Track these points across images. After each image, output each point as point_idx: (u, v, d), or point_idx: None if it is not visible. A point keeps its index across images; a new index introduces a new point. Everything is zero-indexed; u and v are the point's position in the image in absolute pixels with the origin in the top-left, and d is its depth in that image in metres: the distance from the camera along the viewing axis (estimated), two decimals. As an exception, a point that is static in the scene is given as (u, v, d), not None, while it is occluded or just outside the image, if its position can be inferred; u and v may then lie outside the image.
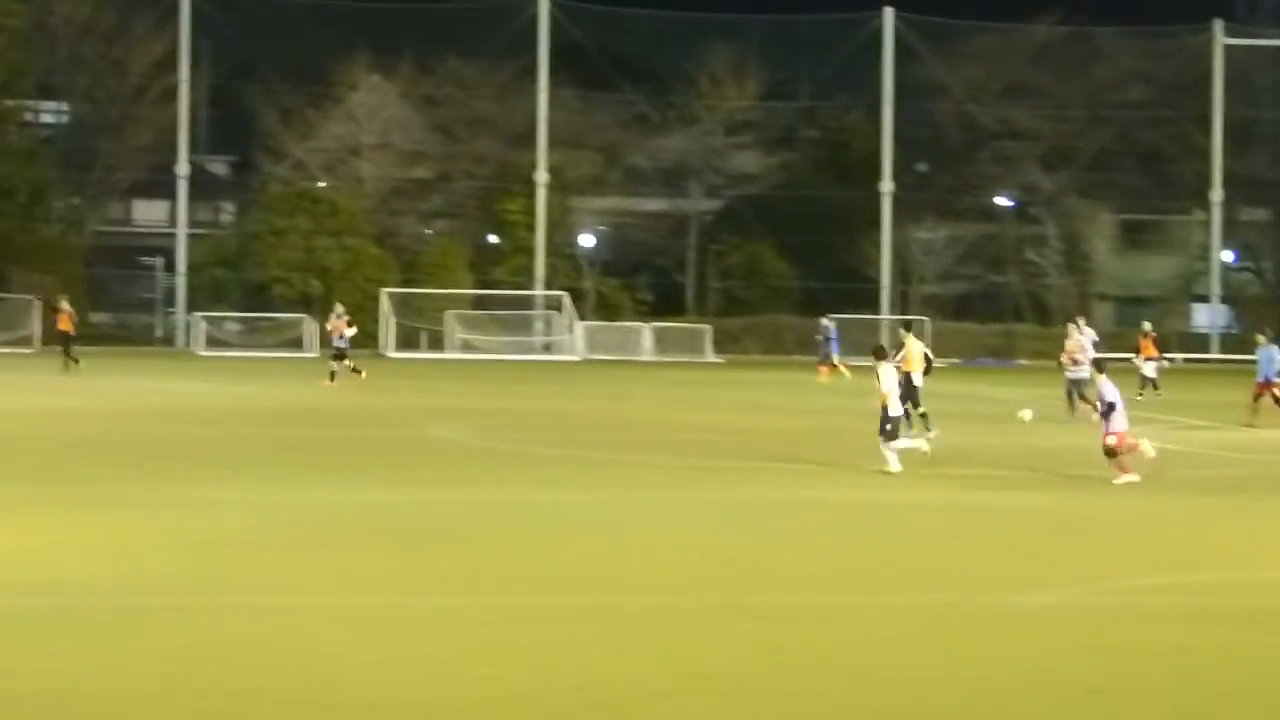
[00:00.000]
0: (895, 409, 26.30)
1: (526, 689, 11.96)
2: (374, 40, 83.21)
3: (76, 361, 52.54)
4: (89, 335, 72.05)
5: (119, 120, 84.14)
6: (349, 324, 49.73)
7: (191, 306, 79.96)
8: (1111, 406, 25.05)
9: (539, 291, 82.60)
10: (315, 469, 25.81)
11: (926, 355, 33.52)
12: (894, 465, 25.95)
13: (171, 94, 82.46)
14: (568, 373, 61.96)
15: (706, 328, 79.84)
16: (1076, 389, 38.75)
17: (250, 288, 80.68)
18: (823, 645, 13.66)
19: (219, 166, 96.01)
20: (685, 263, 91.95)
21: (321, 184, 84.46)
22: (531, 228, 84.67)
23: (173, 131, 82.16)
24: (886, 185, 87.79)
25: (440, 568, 17.11)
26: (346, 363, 48.61)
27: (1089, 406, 30.71)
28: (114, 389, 45.57)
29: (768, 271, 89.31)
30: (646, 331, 77.88)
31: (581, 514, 21.54)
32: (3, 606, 14.65)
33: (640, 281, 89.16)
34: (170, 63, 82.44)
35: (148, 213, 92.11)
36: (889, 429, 26.19)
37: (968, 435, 33.49)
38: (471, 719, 11.36)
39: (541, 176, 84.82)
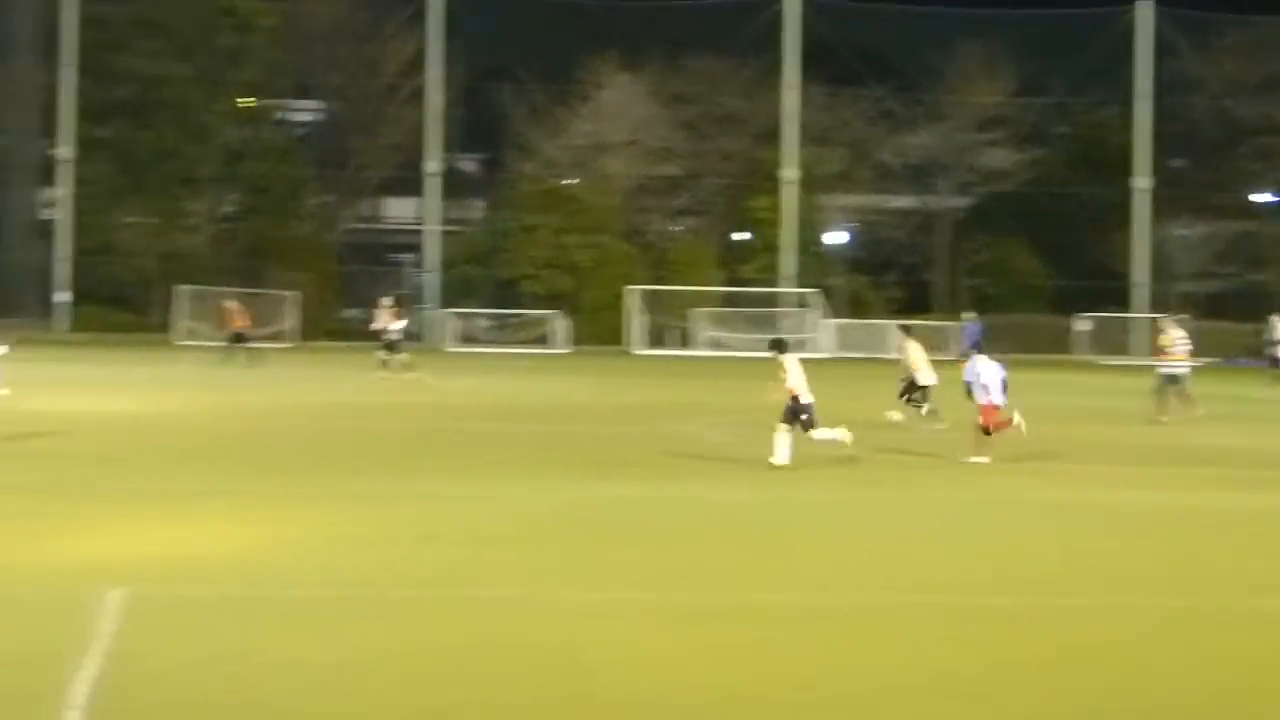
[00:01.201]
0: (806, 398, 25.70)
1: (761, 686, 11.78)
2: (622, 38, 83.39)
3: (245, 359, 53.10)
4: (340, 331, 73.22)
5: (371, 119, 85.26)
6: (397, 315, 49.64)
7: (442, 303, 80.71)
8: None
9: (788, 289, 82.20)
10: (561, 464, 25.73)
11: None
12: (783, 457, 25.36)
13: (422, 93, 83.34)
14: (815, 371, 61.32)
15: (956, 325, 78.81)
16: None
17: (499, 284, 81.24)
18: (1055, 648, 13.20)
19: (469, 164, 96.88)
20: (934, 260, 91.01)
21: (570, 181, 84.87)
22: (779, 225, 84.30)
23: (422, 130, 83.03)
24: (1142, 182, 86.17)
25: (680, 563, 16.93)
26: (402, 356, 48.59)
27: None
28: (365, 385, 46.05)
29: (1018, 269, 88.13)
30: (895, 329, 76.93)
31: (825, 512, 21.28)
32: (257, 597, 14.77)
33: (888, 279, 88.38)
34: (421, 62, 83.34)
35: (399, 210, 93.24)
36: (805, 419, 25.65)
37: (1246, 437, 32.61)
38: (713, 715, 11.14)
39: (789, 174, 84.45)
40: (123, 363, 53.77)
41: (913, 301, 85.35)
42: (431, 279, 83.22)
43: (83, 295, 78.44)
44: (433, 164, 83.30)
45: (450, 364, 60.89)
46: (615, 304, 78.43)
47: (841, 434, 26.34)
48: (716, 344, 76.02)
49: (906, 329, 38.42)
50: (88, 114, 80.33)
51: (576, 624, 13.90)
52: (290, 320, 72.43)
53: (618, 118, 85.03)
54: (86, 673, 11.69)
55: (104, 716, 10.84)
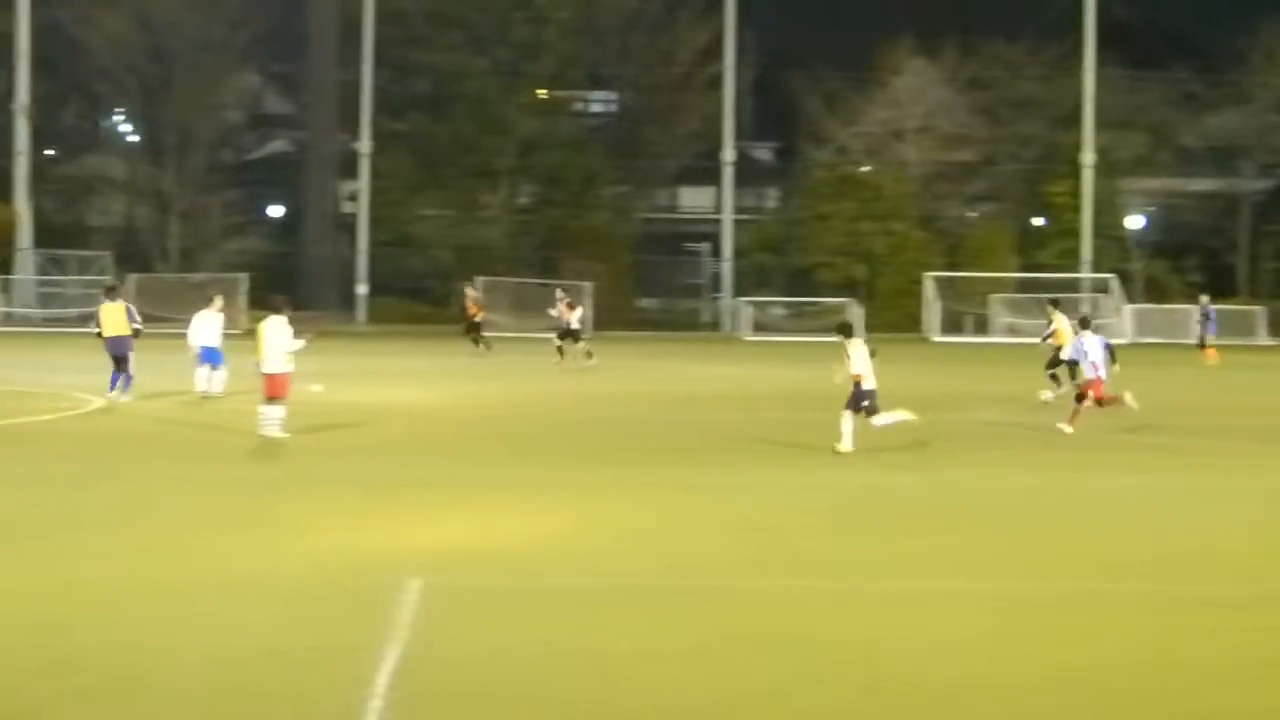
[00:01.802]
0: (869, 384, 25.31)
1: (1092, 672, 11.61)
2: (917, 24, 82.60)
3: (483, 346, 53.44)
4: (637, 321, 73.51)
5: (665, 108, 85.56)
6: (571, 307, 49.20)
7: (737, 291, 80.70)
8: None
9: (1085, 274, 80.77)
10: (857, 451, 25.37)
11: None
12: (847, 444, 25.00)
13: (716, 82, 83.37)
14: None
15: (1260, 309, 76.88)
16: None
17: (794, 272, 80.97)
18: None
19: (763, 152, 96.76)
20: (1237, 243, 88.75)
21: (865, 168, 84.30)
22: (1078, 210, 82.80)
23: (717, 119, 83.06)
24: None
25: (986, 551, 16.68)
26: (580, 345, 48.23)
27: None
28: (662, 373, 46.11)
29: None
30: (1196, 314, 75.28)
31: (1138, 498, 20.84)
32: (552, 586, 14.78)
33: (1189, 263, 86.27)
34: (715, 51, 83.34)
35: (693, 199, 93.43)
36: (867, 405, 25.26)
37: None
38: (1044, 699, 10.88)
39: (1088, 158, 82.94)
40: (420, 354, 54.51)
41: (1214, 285, 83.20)
42: (726, 267, 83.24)
43: (381, 287, 79.83)
44: (728, 152, 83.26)
45: (745, 352, 60.82)
46: (910, 291, 77.76)
47: (904, 415, 25.97)
48: (1013, 330, 74.89)
49: (1055, 303, 38.14)
50: (385, 108, 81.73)
51: (882, 611, 13.75)
52: (587, 310, 72.90)
53: (913, 103, 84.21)
54: (388, 662, 11.81)
55: (406, 705, 10.90)
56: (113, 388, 32.16)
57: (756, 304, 77.97)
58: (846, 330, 26.58)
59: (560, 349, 48.25)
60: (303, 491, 21.03)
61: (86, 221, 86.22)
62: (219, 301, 35.89)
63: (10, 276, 72.39)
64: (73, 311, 65.61)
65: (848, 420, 25.24)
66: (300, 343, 26.36)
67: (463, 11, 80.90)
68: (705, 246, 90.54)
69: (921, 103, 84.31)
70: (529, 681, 11.49)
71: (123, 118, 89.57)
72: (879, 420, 25.54)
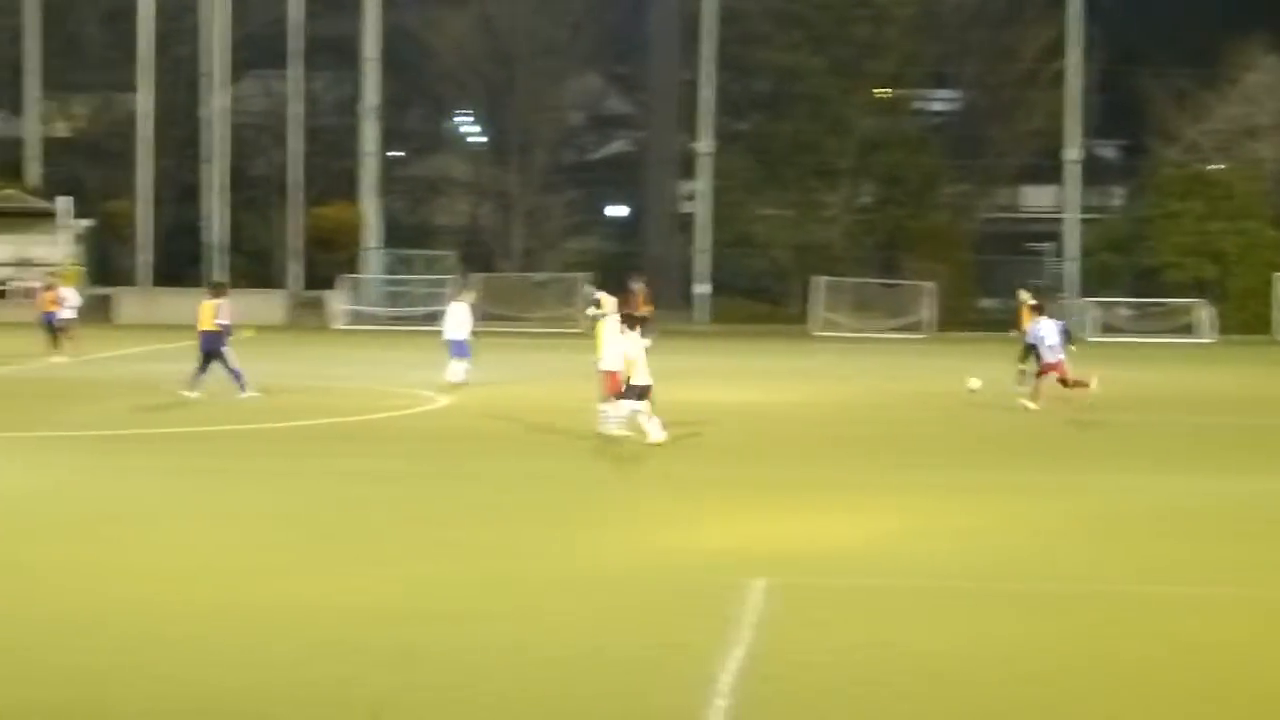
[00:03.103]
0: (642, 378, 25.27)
1: None
2: (1270, 19, 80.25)
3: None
4: (977, 322, 72.61)
5: (1008, 106, 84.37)
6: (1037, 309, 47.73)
7: (1081, 292, 79.30)
8: None
9: None
10: (1209, 455, 24.57)
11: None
12: (655, 435, 25.01)
13: (1059, 79, 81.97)
14: None
15: None
16: None
17: (1140, 272, 79.30)
18: None
19: (1108, 150, 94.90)
20: None
21: (1215, 166, 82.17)
22: None
23: (1060, 117, 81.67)
24: None
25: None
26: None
27: None
28: (1000, 374, 45.31)
29: None
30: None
31: None
32: (893, 588, 14.63)
33: None
34: (1060, 47, 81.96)
35: (1035, 198, 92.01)
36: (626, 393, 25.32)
37: None
38: None
39: None
40: (759, 353, 54.50)
41: None
42: (1071, 267, 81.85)
43: (721, 286, 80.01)
44: (1072, 151, 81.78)
45: (1091, 354, 59.61)
46: (1261, 292, 75.55)
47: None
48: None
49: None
50: (726, 108, 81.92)
51: (1245, 621, 13.33)
52: (927, 311, 72.21)
53: (1266, 100, 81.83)
54: (732, 661, 11.70)
55: (751, 705, 10.81)
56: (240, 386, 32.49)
57: (1102, 305, 76.47)
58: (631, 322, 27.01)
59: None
60: (641, 489, 21.09)
61: (432, 221, 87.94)
62: (469, 295, 37.14)
63: (358, 275, 74.05)
64: (419, 310, 66.81)
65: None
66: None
67: (804, 10, 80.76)
68: (1048, 246, 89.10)
69: (1275, 99, 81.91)
70: (870, 683, 11.35)
71: (467, 119, 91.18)
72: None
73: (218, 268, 72.94)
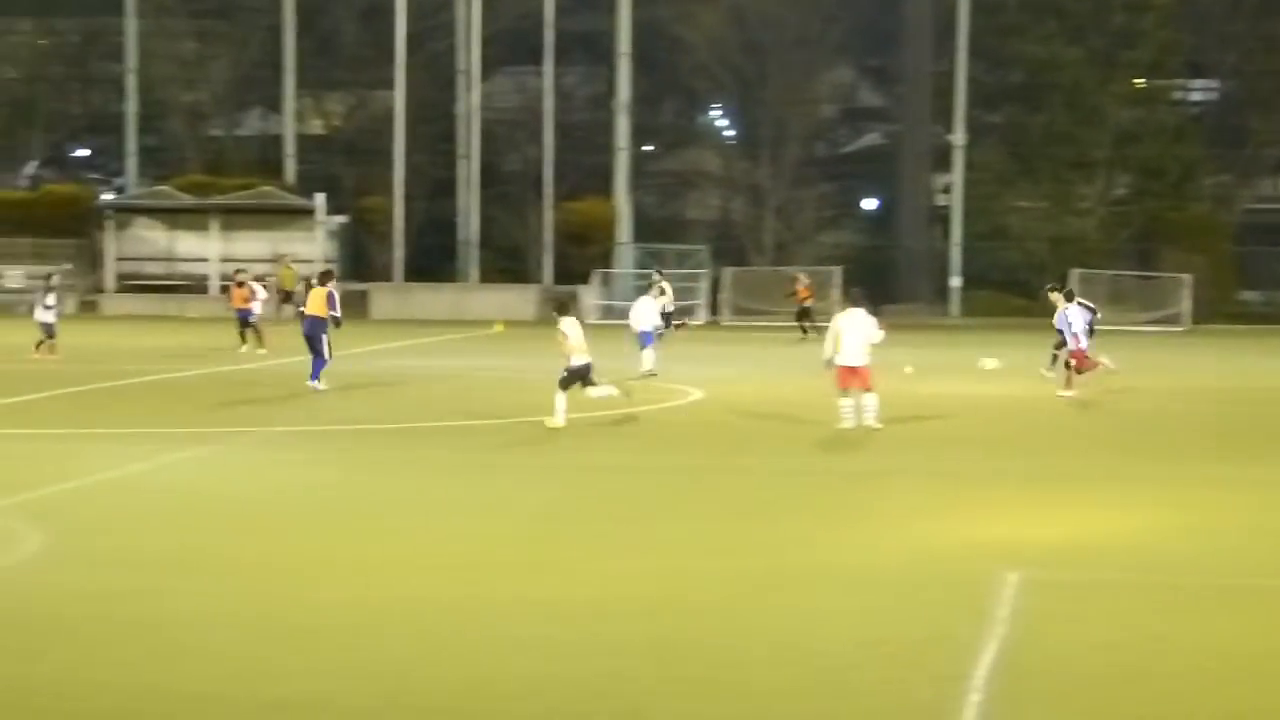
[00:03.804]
0: (579, 360, 26.45)
1: None
2: None
3: (805, 332, 53.10)
4: (1238, 314, 71.28)
5: (1269, 95, 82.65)
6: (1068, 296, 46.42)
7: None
8: None
9: None
10: None
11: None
12: (559, 419, 25.88)
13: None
14: None
15: None
16: None
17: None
18: None
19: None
20: None
21: None
22: None
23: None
24: None
25: None
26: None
27: None
28: (1266, 369, 44.50)
29: None
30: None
31: None
32: (1150, 583, 14.52)
33: None
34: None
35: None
36: (565, 378, 26.34)
37: None
38: None
39: None
40: (1012, 346, 53.94)
41: None
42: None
43: (974, 279, 79.29)
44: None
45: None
46: None
47: (611, 389, 27.22)
48: None
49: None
50: (979, 99, 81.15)
51: None
52: (1185, 303, 70.99)
53: None
54: (987, 654, 11.67)
55: (1006, 699, 10.83)
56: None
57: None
58: (562, 309, 27.98)
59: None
60: (891, 482, 21.08)
61: (684, 215, 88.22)
62: (658, 290, 39.87)
63: (610, 270, 74.48)
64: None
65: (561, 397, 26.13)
66: (881, 334, 26.44)
67: (1060, 0, 79.83)
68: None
69: None
70: (1126, 680, 11.28)
71: (719, 113, 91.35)
72: (595, 392, 26.83)
73: (471, 263, 73.98)
